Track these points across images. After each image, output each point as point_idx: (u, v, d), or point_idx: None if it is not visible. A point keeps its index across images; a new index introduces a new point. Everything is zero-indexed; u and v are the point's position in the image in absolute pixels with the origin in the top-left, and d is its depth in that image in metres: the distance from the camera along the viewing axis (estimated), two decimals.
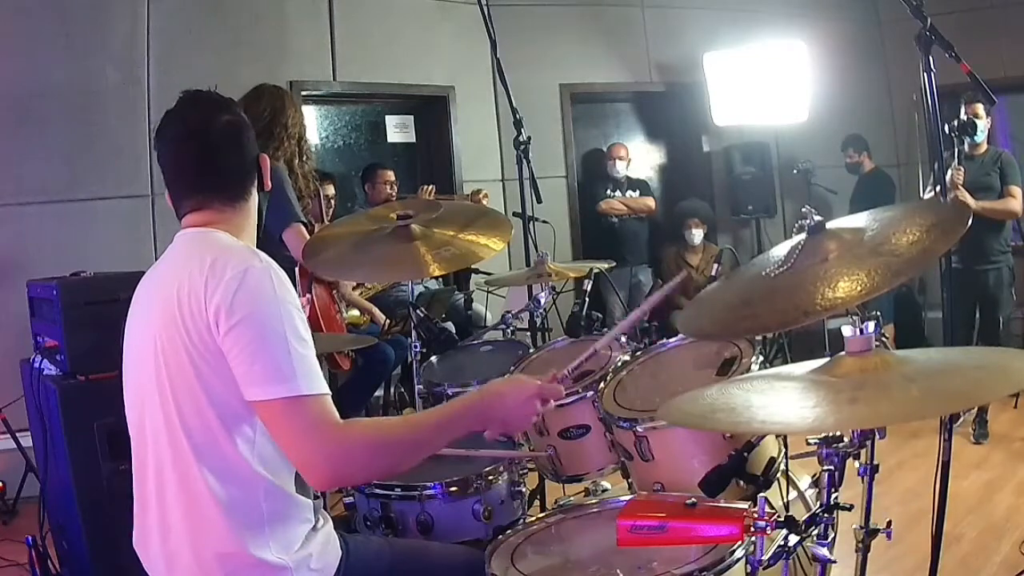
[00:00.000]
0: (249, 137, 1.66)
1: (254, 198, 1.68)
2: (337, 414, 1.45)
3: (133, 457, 1.60)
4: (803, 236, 1.60)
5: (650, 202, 6.31)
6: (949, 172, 4.15)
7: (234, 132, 1.64)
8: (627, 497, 1.79)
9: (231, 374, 1.44)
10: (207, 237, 1.57)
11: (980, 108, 4.36)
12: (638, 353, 2.24)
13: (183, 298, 1.47)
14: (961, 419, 4.37)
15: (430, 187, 5.28)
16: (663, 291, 1.92)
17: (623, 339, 2.40)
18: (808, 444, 1.51)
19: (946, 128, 4.24)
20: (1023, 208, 4.56)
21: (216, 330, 1.43)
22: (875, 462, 1.53)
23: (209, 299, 1.44)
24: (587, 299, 2.76)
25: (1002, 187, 4.48)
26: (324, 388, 1.45)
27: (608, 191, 6.24)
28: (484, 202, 5.44)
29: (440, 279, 5.13)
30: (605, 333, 2.48)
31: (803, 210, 1.64)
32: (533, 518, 1.88)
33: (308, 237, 2.97)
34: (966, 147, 4.39)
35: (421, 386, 2.65)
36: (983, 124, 4.44)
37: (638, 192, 6.31)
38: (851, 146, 6.22)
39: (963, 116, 4.42)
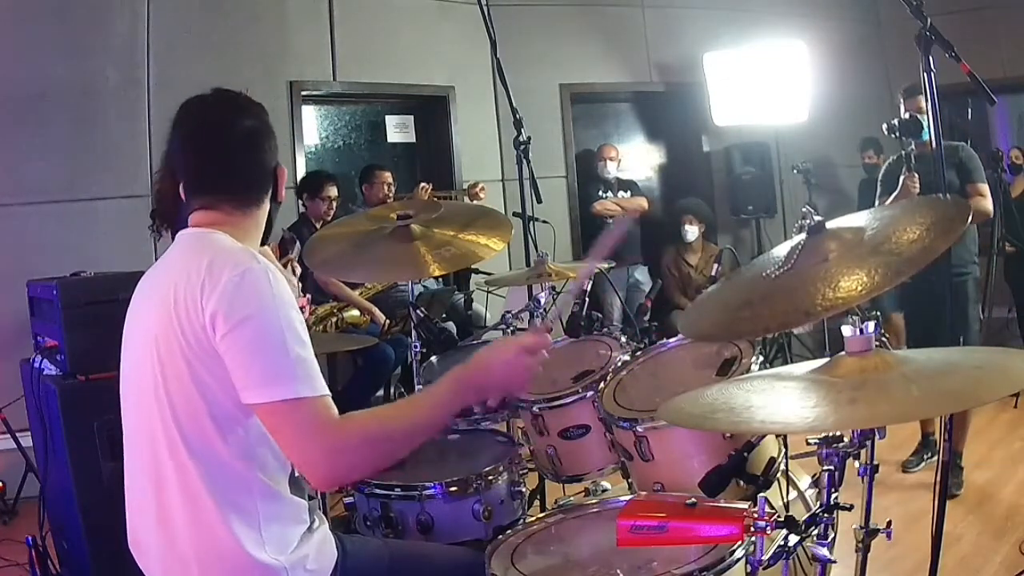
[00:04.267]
0: (270, 145, 1.65)
1: (265, 206, 1.66)
2: (336, 414, 1.44)
3: (126, 457, 1.59)
4: (803, 236, 1.60)
5: (642, 202, 6.29)
6: (902, 180, 3.59)
7: (253, 138, 1.62)
8: (627, 497, 1.79)
9: (226, 376, 1.43)
10: (207, 238, 1.56)
11: (922, 101, 3.53)
12: (638, 353, 2.24)
13: (179, 299, 1.46)
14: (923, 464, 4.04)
15: (427, 186, 5.28)
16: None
17: (623, 339, 2.41)
18: (808, 444, 1.51)
19: (884, 129, 3.71)
20: (993, 206, 3.93)
21: (212, 332, 1.43)
22: (875, 462, 1.53)
23: (206, 301, 1.43)
24: (587, 299, 2.75)
25: (964, 185, 3.74)
26: (324, 389, 1.44)
27: (599, 192, 6.23)
28: (481, 195, 5.44)
29: (440, 279, 5.13)
30: (606, 335, 2.50)
31: (803, 210, 1.64)
32: (533, 518, 1.87)
33: None
34: (913, 147, 3.64)
35: (421, 386, 2.65)
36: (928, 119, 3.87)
37: (628, 193, 6.30)
38: (871, 147, 6.12)
39: (904, 113, 3.74)
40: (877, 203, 3.83)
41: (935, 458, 3.80)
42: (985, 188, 3.79)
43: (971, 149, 3.86)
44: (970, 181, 3.76)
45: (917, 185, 3.59)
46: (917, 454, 4.06)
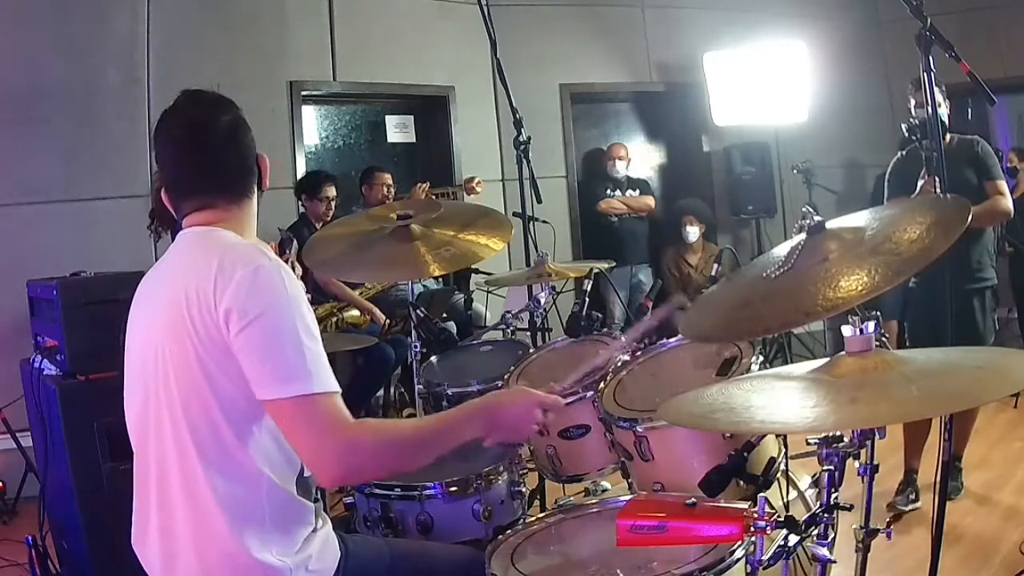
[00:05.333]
0: (248, 136, 1.66)
1: (255, 196, 1.67)
2: (348, 412, 1.45)
3: (135, 457, 1.59)
4: (803, 236, 1.60)
5: (650, 201, 6.31)
6: (920, 184, 3.29)
7: (233, 131, 1.63)
8: (627, 497, 1.79)
9: (239, 373, 1.43)
10: (212, 235, 1.57)
11: (937, 93, 2.95)
12: (638, 353, 2.24)
13: (191, 297, 1.46)
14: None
15: (424, 184, 5.29)
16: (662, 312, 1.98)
17: (623, 339, 2.41)
18: (808, 444, 1.51)
19: (904, 130, 3.50)
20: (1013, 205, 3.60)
21: (226, 330, 1.43)
22: (875, 462, 1.53)
23: (219, 299, 1.44)
24: (587, 299, 2.75)
25: (982, 182, 3.48)
26: (335, 386, 1.45)
27: (608, 191, 6.24)
28: (478, 189, 5.44)
29: (440, 279, 5.13)
30: (607, 335, 2.50)
31: (803, 210, 1.64)
32: (533, 518, 1.87)
33: None
34: (923, 150, 3.36)
35: (421, 386, 2.65)
36: (943, 111, 3.40)
37: (638, 191, 6.31)
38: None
39: (914, 106, 3.55)
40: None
41: (919, 502, 3.57)
42: (1004, 185, 3.52)
43: (987, 144, 3.61)
44: (988, 178, 3.49)
45: (935, 188, 3.16)
46: (902, 493, 3.63)
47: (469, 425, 1.58)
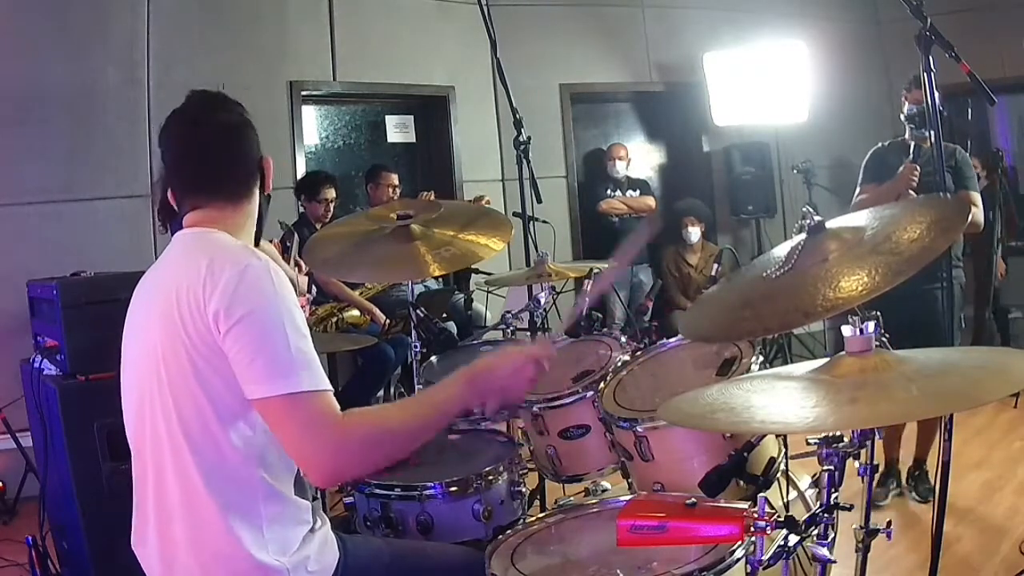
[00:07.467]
0: (251, 138, 1.66)
1: (255, 199, 1.67)
2: (338, 410, 1.44)
3: (132, 458, 1.59)
4: (803, 236, 1.60)
5: (651, 201, 6.31)
6: (901, 169, 3.42)
7: (235, 132, 1.64)
8: (627, 497, 1.79)
9: (231, 373, 1.43)
10: (205, 237, 1.57)
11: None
12: (638, 353, 2.24)
13: (182, 298, 1.47)
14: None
15: (429, 192, 5.28)
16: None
17: (623, 339, 2.41)
18: (808, 444, 1.51)
19: (902, 117, 3.58)
20: (983, 219, 3.66)
21: (216, 330, 1.43)
22: (875, 462, 1.53)
23: (208, 299, 1.44)
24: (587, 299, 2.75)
25: (957, 191, 3.46)
26: (325, 384, 1.45)
27: (608, 191, 6.25)
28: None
29: (440, 279, 5.13)
30: (606, 335, 2.50)
31: (803, 210, 1.64)
32: (533, 518, 1.87)
33: None
34: (918, 141, 3.50)
35: (421, 386, 2.65)
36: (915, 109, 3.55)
37: (638, 192, 6.31)
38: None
39: (906, 106, 3.62)
40: (858, 190, 3.70)
41: (900, 490, 3.65)
42: (978, 198, 3.56)
43: (966, 154, 3.63)
44: (964, 188, 3.51)
45: (916, 178, 3.39)
46: (883, 485, 3.62)
47: (461, 398, 1.57)
